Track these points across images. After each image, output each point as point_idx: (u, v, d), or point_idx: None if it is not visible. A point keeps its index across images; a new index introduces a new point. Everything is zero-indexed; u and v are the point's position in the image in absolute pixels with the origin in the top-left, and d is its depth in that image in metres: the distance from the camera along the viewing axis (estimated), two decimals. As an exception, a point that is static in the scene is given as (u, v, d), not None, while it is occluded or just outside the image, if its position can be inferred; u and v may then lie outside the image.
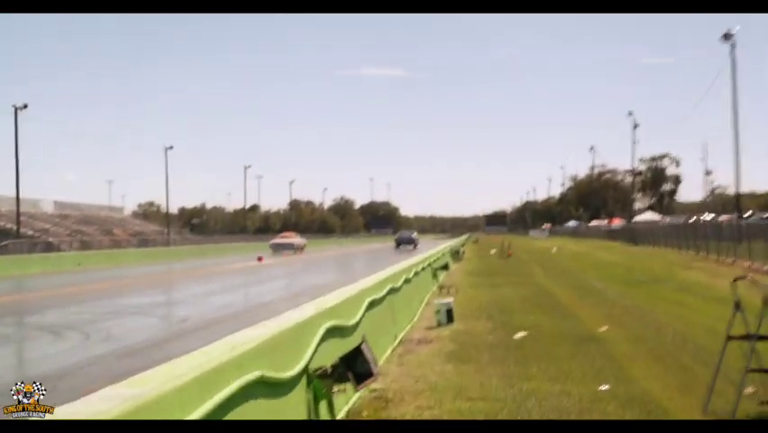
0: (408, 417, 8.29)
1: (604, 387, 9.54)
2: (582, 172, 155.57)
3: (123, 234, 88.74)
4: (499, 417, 8.20)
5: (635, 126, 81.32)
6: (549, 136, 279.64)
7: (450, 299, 16.95)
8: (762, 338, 8.08)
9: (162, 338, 15.72)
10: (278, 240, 73.48)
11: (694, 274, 28.56)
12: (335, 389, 7.16)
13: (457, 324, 15.82)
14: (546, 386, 9.70)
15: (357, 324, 9.72)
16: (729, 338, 8.24)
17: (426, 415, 8.36)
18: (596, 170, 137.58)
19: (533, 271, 35.41)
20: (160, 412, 4.05)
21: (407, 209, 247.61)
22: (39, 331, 16.89)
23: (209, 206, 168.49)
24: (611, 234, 72.75)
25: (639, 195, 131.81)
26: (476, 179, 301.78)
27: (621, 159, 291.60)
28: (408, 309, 16.95)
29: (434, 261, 28.73)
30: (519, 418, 8.14)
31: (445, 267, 32.19)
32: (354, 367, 7.21)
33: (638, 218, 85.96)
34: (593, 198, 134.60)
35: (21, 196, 64.57)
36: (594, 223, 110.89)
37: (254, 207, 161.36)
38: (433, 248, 41.25)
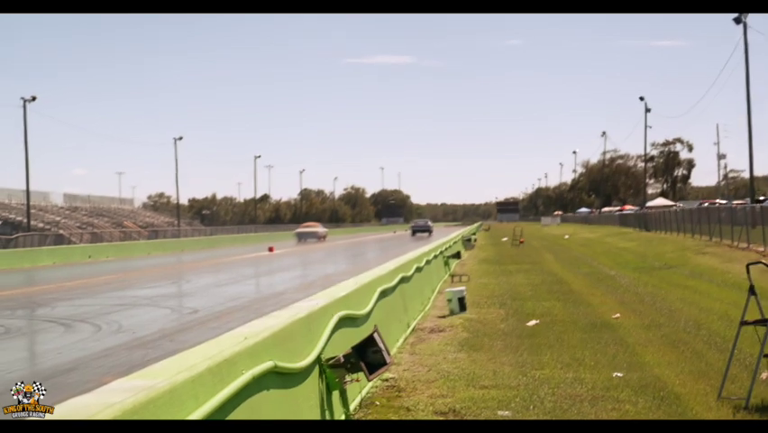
0: (421, 405, 8.27)
1: (617, 374, 9.51)
2: (594, 158, 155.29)
3: (134, 226, 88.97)
4: (512, 405, 8.17)
5: (647, 111, 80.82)
6: (561, 123, 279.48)
7: (462, 288, 16.91)
8: (776, 324, 8.01)
9: (174, 329, 15.73)
10: (302, 229, 79.22)
11: (707, 260, 28.44)
12: (348, 378, 7.14)
13: (469, 312, 15.79)
14: (559, 374, 9.68)
15: (369, 313, 9.71)
16: (743, 323, 8.17)
17: (439, 403, 8.34)
18: (608, 156, 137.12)
19: (545, 258, 35.34)
20: (173, 403, 4.04)
21: (419, 198, 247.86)
22: (50, 323, 16.93)
23: (219, 196, 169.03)
24: (623, 221, 72.49)
25: (651, 180, 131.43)
26: (487, 167, 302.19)
27: (634, 145, 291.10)
28: (420, 298, 16.93)
29: (446, 249, 28.68)
30: (532, 406, 8.12)
31: (457, 255, 32.12)
32: (367, 357, 7.19)
33: (650, 204, 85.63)
34: (605, 185, 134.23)
35: (31, 188, 64.79)
36: (606, 209, 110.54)
37: (265, 197, 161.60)
38: (444, 237, 41.22)
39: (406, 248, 36.36)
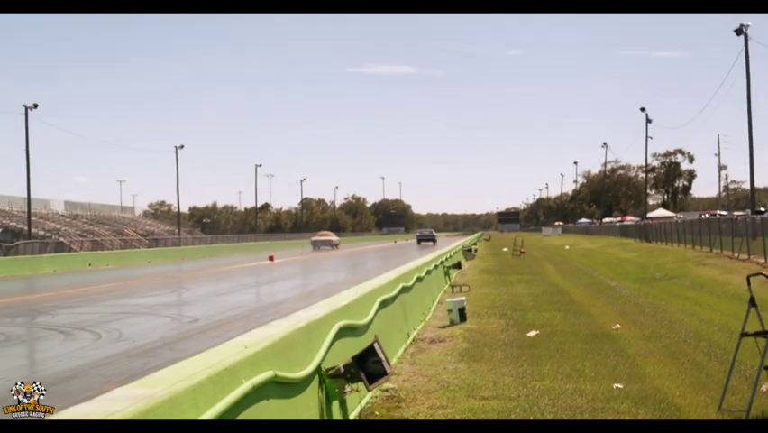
0: (421, 416, 8.26)
1: (618, 385, 9.49)
2: (595, 169, 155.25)
3: (134, 234, 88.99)
4: (512, 416, 8.16)
5: (648, 121, 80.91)
6: (562, 133, 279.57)
7: (462, 298, 16.90)
8: (777, 335, 8.00)
9: (174, 338, 15.72)
10: (318, 237, 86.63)
11: (708, 271, 28.42)
12: (348, 388, 7.14)
13: (470, 322, 15.77)
14: (560, 384, 9.67)
15: (369, 323, 9.70)
16: (744, 335, 8.17)
17: (439, 414, 8.33)
18: (609, 166, 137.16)
19: (545, 268, 35.32)
20: (173, 412, 4.05)
21: (419, 207, 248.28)
22: (51, 331, 16.91)
23: (220, 205, 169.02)
24: (624, 231, 72.48)
25: (652, 191, 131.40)
26: (488, 177, 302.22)
27: (635, 156, 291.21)
28: (421, 308, 16.92)
29: (447, 259, 28.65)
30: (532, 417, 8.11)
31: (458, 265, 32.04)
32: (367, 366, 7.19)
33: (651, 215, 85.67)
34: (606, 195, 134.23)
35: (32, 196, 64.77)
36: (607, 220, 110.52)
37: (265, 206, 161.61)
38: (445, 246, 41.19)
39: (407, 258, 36.36)
